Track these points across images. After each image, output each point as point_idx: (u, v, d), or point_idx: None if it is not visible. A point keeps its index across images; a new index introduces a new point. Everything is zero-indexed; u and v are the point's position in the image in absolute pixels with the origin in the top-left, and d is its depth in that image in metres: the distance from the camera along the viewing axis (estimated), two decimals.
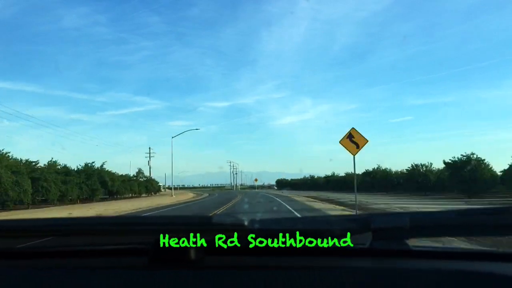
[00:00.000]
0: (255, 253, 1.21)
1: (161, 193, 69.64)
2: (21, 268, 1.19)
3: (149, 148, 72.04)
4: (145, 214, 17.13)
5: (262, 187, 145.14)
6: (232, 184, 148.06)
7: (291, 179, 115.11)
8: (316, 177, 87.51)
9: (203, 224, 1.14)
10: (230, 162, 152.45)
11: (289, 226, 1.11)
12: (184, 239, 1.10)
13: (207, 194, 63.73)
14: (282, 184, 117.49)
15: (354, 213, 15.49)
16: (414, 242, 1.17)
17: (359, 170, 54.34)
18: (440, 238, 1.24)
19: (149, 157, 70.42)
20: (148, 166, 68.96)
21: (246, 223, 1.05)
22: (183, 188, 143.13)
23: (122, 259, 1.24)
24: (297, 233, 1.08)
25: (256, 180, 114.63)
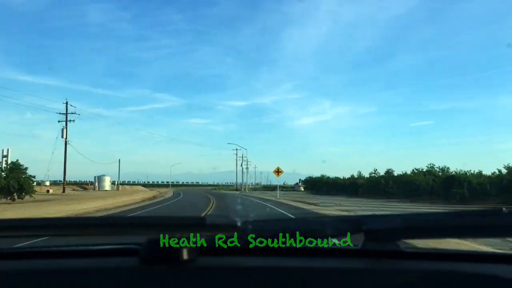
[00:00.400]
0: (247, 253, 1.21)
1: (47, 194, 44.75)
2: (10, 270, 1.17)
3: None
4: (134, 214, 15.16)
5: (284, 187, 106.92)
6: (241, 183, 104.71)
7: (326, 178, 75.27)
8: (357, 176, 64.02)
9: (196, 224, 1.12)
10: (235, 150, 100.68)
11: (281, 227, 1.11)
12: (176, 239, 1.09)
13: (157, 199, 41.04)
14: (313, 184, 77.27)
15: None
16: (406, 244, 1.17)
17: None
18: (433, 239, 1.27)
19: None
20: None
21: (239, 223, 1.05)
22: (133, 185, 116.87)
23: (114, 259, 1.22)
24: (287, 234, 1.07)
25: (278, 172, 42.14)
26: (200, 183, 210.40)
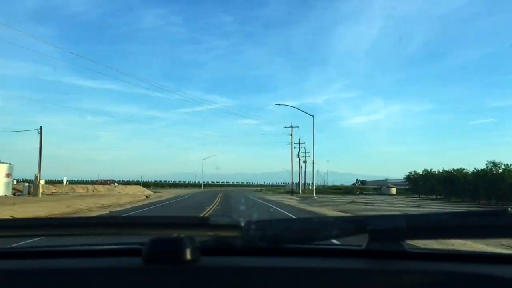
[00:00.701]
0: (251, 253, 1.21)
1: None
2: (14, 269, 1.17)
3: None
4: (138, 214, 14.95)
5: (362, 189, 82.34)
6: (298, 182, 72.65)
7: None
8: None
9: (199, 224, 1.13)
10: (289, 128, 66.62)
11: (285, 227, 1.11)
12: (179, 239, 1.10)
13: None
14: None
15: None
16: (410, 244, 1.18)
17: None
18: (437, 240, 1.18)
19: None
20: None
21: (242, 223, 1.06)
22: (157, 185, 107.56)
23: (117, 259, 1.23)
24: (291, 235, 1.08)
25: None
26: (251, 183, 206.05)
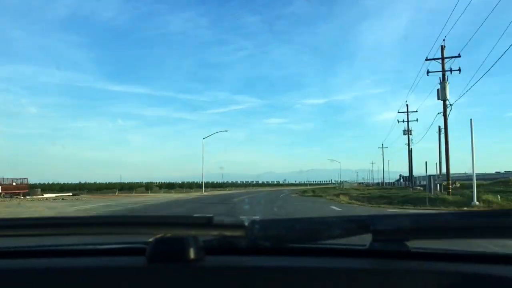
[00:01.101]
0: (254, 253, 1.21)
1: None
2: (19, 268, 1.18)
3: None
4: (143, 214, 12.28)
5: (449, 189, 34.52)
6: (341, 180, 78.19)
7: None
8: None
9: (203, 223, 1.12)
10: None
11: (289, 226, 1.11)
12: (183, 238, 1.10)
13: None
14: None
15: None
16: (414, 244, 1.16)
17: None
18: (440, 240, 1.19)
19: None
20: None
21: (246, 223, 1.06)
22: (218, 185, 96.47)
23: (121, 258, 1.23)
24: (294, 234, 1.08)
25: None
26: (282, 182, 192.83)
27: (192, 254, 1.08)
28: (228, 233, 1.10)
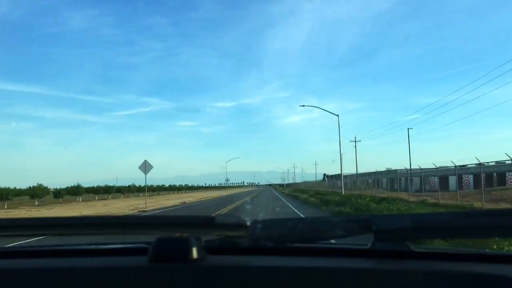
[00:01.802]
0: (257, 253, 1.21)
1: None
2: (21, 268, 1.17)
3: None
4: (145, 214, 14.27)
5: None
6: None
7: None
8: None
9: (206, 223, 1.14)
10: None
11: (291, 226, 1.11)
12: (186, 238, 1.10)
13: None
14: None
15: None
16: (415, 244, 1.17)
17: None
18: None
19: None
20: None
21: (248, 223, 1.07)
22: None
23: (123, 258, 1.23)
24: (296, 234, 1.08)
25: None
26: (190, 185, 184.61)
27: (194, 254, 1.08)
28: (230, 233, 1.12)
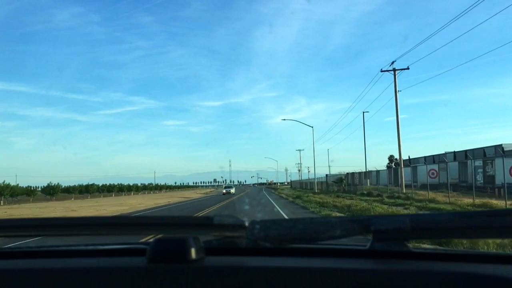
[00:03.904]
0: (255, 253, 1.21)
1: None
2: (19, 268, 1.17)
3: None
4: (143, 214, 14.00)
5: None
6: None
7: None
8: None
9: (204, 224, 1.14)
10: None
11: (289, 227, 1.10)
12: (184, 239, 1.10)
13: None
14: None
15: None
16: (415, 244, 1.17)
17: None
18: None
19: None
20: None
21: (247, 223, 1.07)
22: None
23: (121, 259, 1.22)
24: (295, 235, 1.08)
25: None
26: (183, 184, 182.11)
27: (192, 254, 1.08)
28: (228, 233, 1.11)
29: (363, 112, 49.51)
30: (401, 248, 1.13)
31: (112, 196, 75.32)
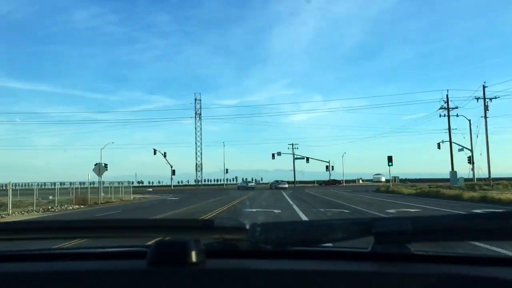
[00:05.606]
0: (256, 256, 1.21)
1: None
2: (19, 272, 1.17)
3: None
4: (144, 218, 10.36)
5: None
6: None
7: None
8: None
9: (204, 226, 1.14)
10: None
11: (291, 229, 1.10)
12: (184, 241, 1.10)
13: None
14: None
15: None
16: (416, 246, 1.17)
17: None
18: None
19: None
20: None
21: (247, 226, 1.07)
22: None
23: (122, 262, 1.23)
24: (296, 237, 1.07)
25: None
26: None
27: (193, 257, 1.08)
28: (229, 236, 1.11)
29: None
30: (402, 251, 1.12)
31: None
